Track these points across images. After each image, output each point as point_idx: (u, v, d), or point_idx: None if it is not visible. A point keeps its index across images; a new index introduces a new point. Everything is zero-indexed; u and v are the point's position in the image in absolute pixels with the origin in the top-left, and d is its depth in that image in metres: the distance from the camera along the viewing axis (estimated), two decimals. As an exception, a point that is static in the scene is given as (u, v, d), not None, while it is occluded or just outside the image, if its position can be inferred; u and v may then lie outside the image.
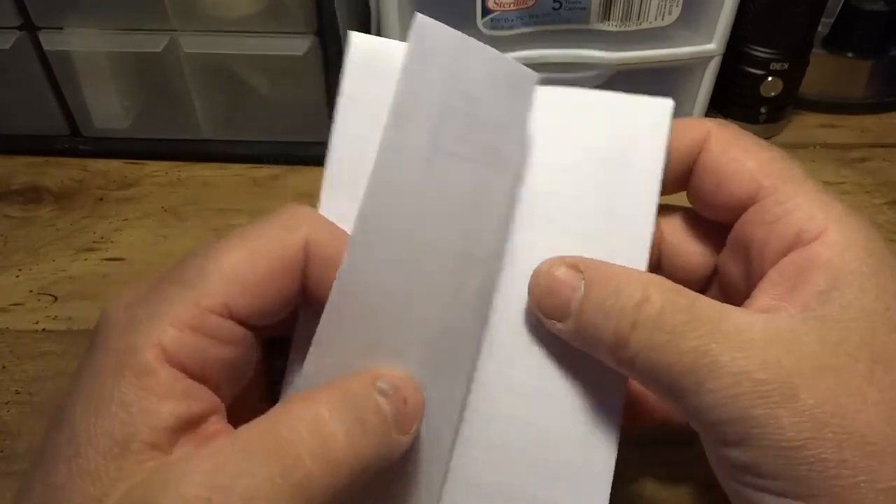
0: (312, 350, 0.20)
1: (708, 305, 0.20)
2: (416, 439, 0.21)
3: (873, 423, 0.18)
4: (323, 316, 0.19)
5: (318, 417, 0.18)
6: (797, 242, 0.21)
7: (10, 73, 0.43)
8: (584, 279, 0.21)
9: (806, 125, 0.51)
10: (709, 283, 0.27)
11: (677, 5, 0.41)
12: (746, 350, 0.19)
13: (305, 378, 0.20)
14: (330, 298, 0.19)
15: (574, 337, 0.22)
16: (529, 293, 0.23)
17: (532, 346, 0.23)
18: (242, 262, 0.20)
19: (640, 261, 0.23)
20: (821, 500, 0.18)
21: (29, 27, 0.42)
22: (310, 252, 0.21)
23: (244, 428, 0.18)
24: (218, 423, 0.19)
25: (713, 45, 0.44)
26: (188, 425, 0.18)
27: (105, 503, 0.17)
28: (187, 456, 0.17)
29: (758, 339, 0.19)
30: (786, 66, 0.46)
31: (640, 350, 0.20)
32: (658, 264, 0.26)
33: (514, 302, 0.23)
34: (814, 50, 0.47)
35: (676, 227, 0.27)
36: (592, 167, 0.24)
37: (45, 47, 0.42)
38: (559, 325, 0.22)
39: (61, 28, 0.42)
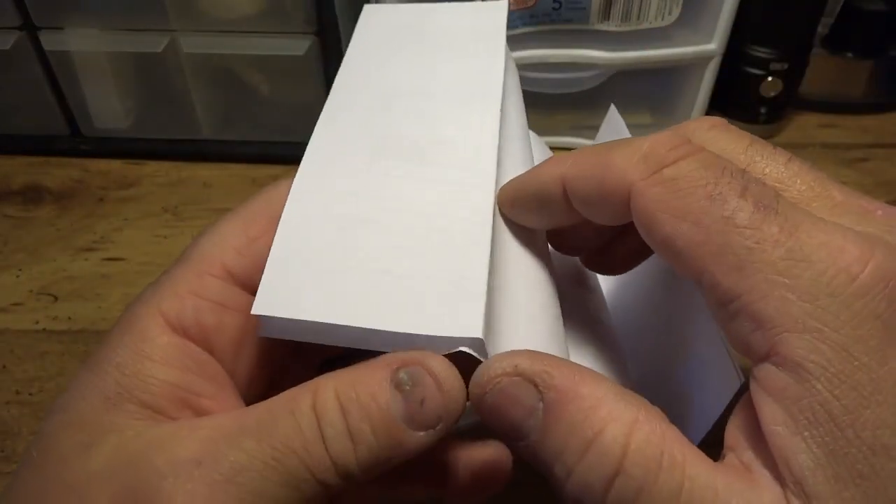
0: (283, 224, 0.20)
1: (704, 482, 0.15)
2: None
3: None
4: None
5: (316, 413, 0.17)
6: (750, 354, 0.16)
7: (10, 73, 0.43)
8: (542, 400, 0.17)
9: (806, 125, 0.51)
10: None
11: (677, 5, 0.41)
12: None
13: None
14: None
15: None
16: (471, 398, 0.18)
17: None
18: (235, 228, 0.20)
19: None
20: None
21: (29, 27, 0.42)
22: None
23: (248, 408, 0.17)
24: (222, 399, 0.19)
25: (713, 45, 0.44)
26: (187, 393, 0.18)
27: (94, 450, 0.16)
28: (189, 421, 0.17)
29: None
30: (786, 66, 0.46)
31: None
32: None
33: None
34: (814, 50, 0.47)
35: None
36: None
37: (45, 47, 0.42)
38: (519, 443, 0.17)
39: (61, 28, 0.42)
